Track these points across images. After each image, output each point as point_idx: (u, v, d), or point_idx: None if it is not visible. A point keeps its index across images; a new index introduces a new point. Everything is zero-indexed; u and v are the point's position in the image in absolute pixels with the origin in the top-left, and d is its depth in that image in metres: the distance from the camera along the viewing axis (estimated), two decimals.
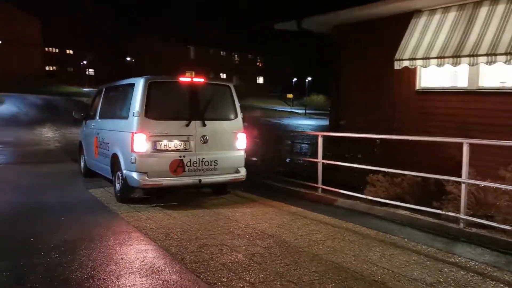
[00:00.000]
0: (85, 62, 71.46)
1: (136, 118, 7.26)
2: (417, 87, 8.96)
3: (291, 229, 6.03)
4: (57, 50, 79.42)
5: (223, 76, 67.12)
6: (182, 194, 8.28)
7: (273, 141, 13.80)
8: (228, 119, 8.02)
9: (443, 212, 5.90)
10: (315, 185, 8.32)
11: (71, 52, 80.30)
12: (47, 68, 73.97)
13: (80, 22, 73.85)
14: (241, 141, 8.04)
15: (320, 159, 8.22)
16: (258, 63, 78.34)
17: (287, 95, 57.00)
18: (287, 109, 53.33)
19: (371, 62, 9.92)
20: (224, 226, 6.15)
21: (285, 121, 38.82)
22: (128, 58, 65.88)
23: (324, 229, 6.04)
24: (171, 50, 63.54)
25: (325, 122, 38.96)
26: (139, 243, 5.40)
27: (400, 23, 8.82)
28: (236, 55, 75.70)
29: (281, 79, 69.67)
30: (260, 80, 76.33)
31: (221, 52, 73.00)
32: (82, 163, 10.50)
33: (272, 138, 14.59)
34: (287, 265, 4.63)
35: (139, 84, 7.43)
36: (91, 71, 74.69)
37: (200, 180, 7.48)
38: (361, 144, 8.57)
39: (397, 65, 8.65)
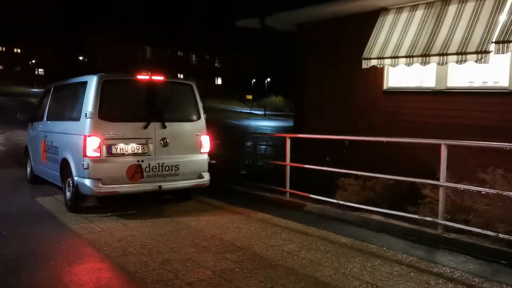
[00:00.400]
0: (34, 61, 68.20)
1: (88, 120, 6.59)
2: (385, 87, 8.75)
3: (261, 239, 5.58)
4: (3, 49, 75.53)
5: (181, 76, 65.92)
6: (140, 201, 7.61)
7: (235, 143, 13.33)
8: (190, 120, 7.48)
9: (420, 217, 5.62)
10: (283, 189, 7.91)
11: (19, 50, 76.56)
12: None
13: (29, 19, 70.51)
14: (205, 144, 7.52)
15: (288, 162, 7.82)
16: (216, 64, 77.60)
17: (247, 96, 56.58)
18: (247, 110, 52.96)
19: (336, 62, 9.64)
20: (188, 238, 5.61)
21: (245, 122, 38.43)
22: (81, 58, 63.45)
23: (296, 238, 5.62)
24: (126, 50, 61.78)
25: (284, 124, 38.84)
26: (92, 260, 4.78)
27: (366, 21, 8.59)
28: (193, 56, 74.62)
29: (240, 80, 69.32)
30: (219, 81, 75.63)
31: (178, 52, 71.76)
32: (28, 169, 9.62)
33: (234, 140, 14.12)
34: (261, 282, 4.16)
35: (92, 82, 6.77)
36: (40, 71, 71.38)
37: (160, 187, 6.90)
38: (329, 146, 8.26)
39: (364, 64, 8.40)
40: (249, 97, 55.39)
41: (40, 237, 5.58)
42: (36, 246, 5.22)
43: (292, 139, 8.02)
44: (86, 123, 6.61)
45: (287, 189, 7.82)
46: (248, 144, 13.04)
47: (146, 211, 7.07)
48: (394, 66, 7.96)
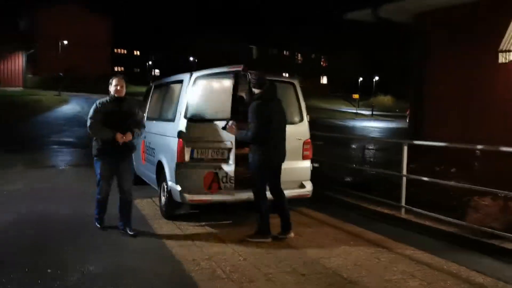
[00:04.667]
0: (150, 62, 72.99)
1: (184, 121, 6.15)
2: None
3: (374, 269, 4.61)
4: (125, 51, 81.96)
5: (286, 75, 65.72)
6: (236, 209, 7.03)
7: (339, 146, 12.33)
8: (292, 123, 6.70)
9: None
10: (396, 203, 6.82)
11: (138, 53, 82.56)
12: (115, 69, 76.45)
13: (148, 22, 75.65)
14: (307, 150, 6.72)
15: (404, 173, 6.71)
16: (321, 63, 76.20)
17: (353, 95, 54.39)
18: (353, 110, 50.96)
19: (463, 58, 8.20)
20: (285, 261, 4.84)
21: (351, 123, 36.83)
22: (191, 58, 66.32)
23: (418, 272, 4.56)
24: (233, 49, 63.19)
25: (394, 125, 36.46)
26: (175, 282, 4.23)
27: (505, 6, 7.13)
28: (299, 55, 74.06)
29: (346, 79, 67.19)
30: (324, 80, 74.15)
31: (284, 51, 71.70)
32: None
33: (338, 142, 13.11)
34: None
35: (187, 80, 6.32)
36: (156, 71, 76.19)
37: None
38: (455, 156, 6.97)
39: (502, 58, 7.02)
40: (356, 96, 53.12)
41: (130, 249, 5.19)
42: (123, 260, 4.79)
43: (409, 147, 6.88)
44: (181, 124, 6.18)
45: (402, 204, 6.72)
46: (355, 147, 11.99)
47: (242, 222, 6.46)
48: None
